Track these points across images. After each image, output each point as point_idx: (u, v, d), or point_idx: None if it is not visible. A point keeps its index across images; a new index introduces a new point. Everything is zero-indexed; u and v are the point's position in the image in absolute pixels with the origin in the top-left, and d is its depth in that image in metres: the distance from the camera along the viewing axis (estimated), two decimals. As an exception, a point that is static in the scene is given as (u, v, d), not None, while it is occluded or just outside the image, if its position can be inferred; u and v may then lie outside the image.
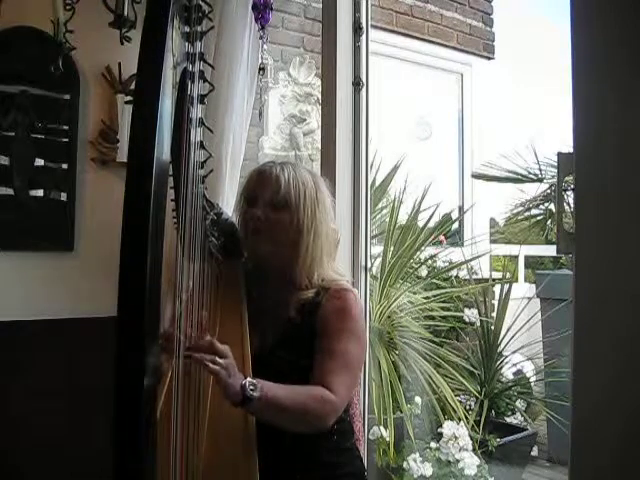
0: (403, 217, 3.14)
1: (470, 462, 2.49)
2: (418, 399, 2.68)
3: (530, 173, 3.42)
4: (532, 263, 4.83)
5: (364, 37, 1.92)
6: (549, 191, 3.40)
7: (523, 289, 3.86)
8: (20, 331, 1.91)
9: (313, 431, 1.22)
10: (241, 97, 1.86)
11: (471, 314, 3.29)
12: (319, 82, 2.66)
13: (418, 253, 3.15)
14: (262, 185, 1.34)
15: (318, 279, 1.34)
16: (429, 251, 3.27)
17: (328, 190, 1.40)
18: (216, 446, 1.13)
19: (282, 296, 1.35)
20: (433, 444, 2.57)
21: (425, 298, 3.04)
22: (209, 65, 1.12)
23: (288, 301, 1.33)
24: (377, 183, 3.06)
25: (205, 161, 1.17)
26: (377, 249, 2.93)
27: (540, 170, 3.38)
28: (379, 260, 2.93)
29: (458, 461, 2.49)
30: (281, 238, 1.31)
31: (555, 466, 3.15)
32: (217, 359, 1.05)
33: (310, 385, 1.22)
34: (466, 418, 2.72)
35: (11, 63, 1.94)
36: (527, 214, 3.65)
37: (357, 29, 1.91)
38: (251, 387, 1.08)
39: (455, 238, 3.77)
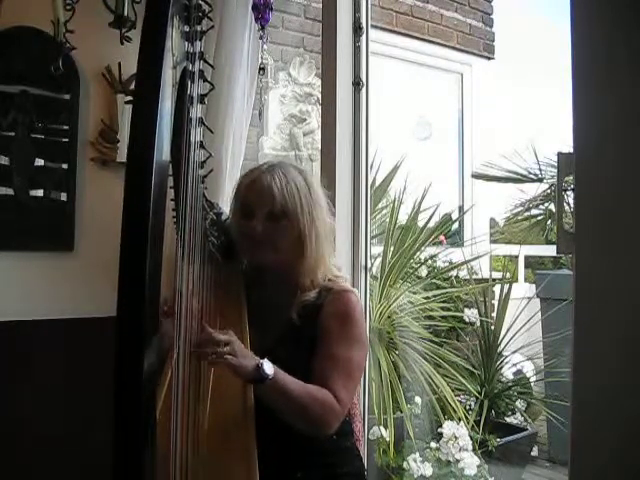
0: (403, 217, 3.14)
1: (470, 462, 2.48)
2: (418, 399, 2.68)
3: (530, 173, 3.42)
4: (532, 263, 4.82)
5: (364, 37, 1.92)
6: (549, 191, 3.40)
7: (523, 289, 3.85)
8: (20, 331, 1.90)
9: (312, 433, 1.22)
10: (241, 97, 1.86)
11: (471, 314, 3.29)
12: (319, 82, 2.66)
13: (418, 253, 3.15)
14: (256, 196, 1.31)
15: (322, 277, 1.34)
16: (429, 251, 3.27)
17: (319, 184, 1.39)
18: (215, 445, 1.13)
19: (284, 298, 1.35)
20: (433, 444, 2.57)
21: (425, 298, 3.04)
22: (209, 65, 1.12)
23: (290, 303, 1.33)
24: (377, 183, 3.06)
25: (205, 161, 1.17)
26: (377, 249, 2.93)
27: (540, 170, 3.38)
28: (379, 260, 2.93)
29: (458, 461, 2.49)
30: (284, 246, 1.31)
31: (555, 466, 3.15)
32: (220, 349, 1.09)
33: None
34: (466, 418, 2.72)
35: (11, 63, 1.94)
36: (527, 214, 3.65)
37: (357, 29, 1.91)
38: (266, 366, 1.13)
39: (455, 238, 3.77)
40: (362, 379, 1.82)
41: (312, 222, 1.31)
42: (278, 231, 1.30)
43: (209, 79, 1.08)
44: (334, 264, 1.40)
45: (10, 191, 1.96)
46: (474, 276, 3.40)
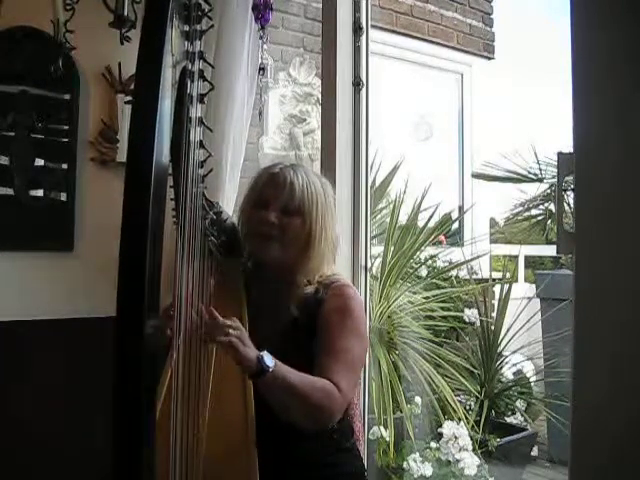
0: (403, 217, 3.14)
1: (470, 462, 2.48)
2: (418, 399, 2.68)
3: (530, 173, 3.43)
4: (532, 263, 4.82)
5: (364, 37, 1.92)
6: (549, 191, 3.40)
7: (523, 289, 3.85)
8: (20, 331, 1.91)
9: (315, 425, 1.22)
10: (241, 97, 1.85)
11: (471, 314, 3.29)
12: (319, 82, 2.65)
13: (418, 253, 3.14)
14: (275, 189, 1.33)
15: (317, 278, 1.35)
16: (429, 251, 3.27)
17: (333, 194, 1.42)
18: (215, 444, 1.13)
19: (282, 294, 1.35)
20: (433, 444, 2.57)
21: (425, 298, 3.04)
22: (209, 64, 1.11)
23: (288, 299, 1.34)
24: (377, 183, 3.06)
25: (205, 160, 1.17)
26: (377, 249, 2.93)
27: (540, 170, 3.39)
28: (379, 260, 2.93)
29: (458, 461, 2.49)
30: (291, 243, 1.32)
31: (555, 466, 3.15)
32: (230, 331, 1.10)
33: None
34: (466, 418, 2.72)
35: (11, 63, 1.94)
36: (527, 214, 3.66)
37: (357, 29, 1.90)
38: (267, 359, 1.13)
39: (455, 238, 3.77)
40: (362, 379, 1.82)
41: (323, 227, 1.33)
42: (289, 226, 1.31)
43: (209, 79, 1.08)
44: (333, 272, 1.41)
45: (10, 191, 1.96)
46: (474, 276, 3.40)
